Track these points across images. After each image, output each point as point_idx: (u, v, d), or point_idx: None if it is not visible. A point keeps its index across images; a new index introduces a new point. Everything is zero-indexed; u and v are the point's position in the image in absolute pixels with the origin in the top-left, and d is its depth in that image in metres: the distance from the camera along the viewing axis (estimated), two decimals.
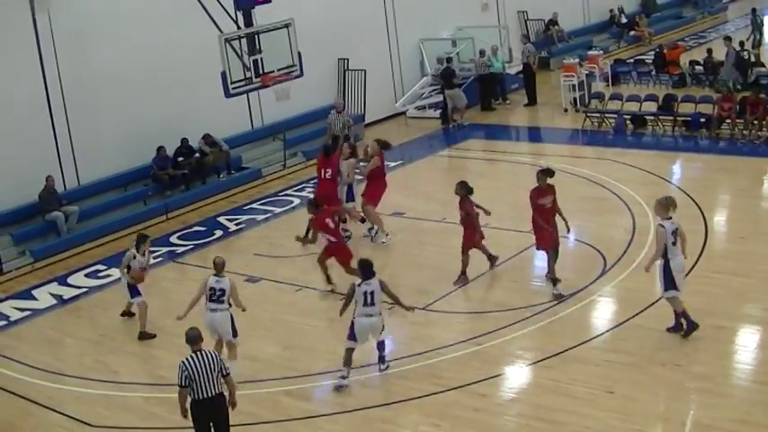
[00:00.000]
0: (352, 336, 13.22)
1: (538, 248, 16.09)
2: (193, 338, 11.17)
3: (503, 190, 22.27)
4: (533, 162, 24.23)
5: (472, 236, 16.46)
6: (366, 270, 13.19)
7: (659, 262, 13.49)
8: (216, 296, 13.63)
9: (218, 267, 13.77)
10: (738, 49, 28.40)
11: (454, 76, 28.09)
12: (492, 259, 16.89)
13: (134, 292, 16.14)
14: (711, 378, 12.53)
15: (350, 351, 13.23)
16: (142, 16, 22.92)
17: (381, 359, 13.61)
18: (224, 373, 11.11)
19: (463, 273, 16.47)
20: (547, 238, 15.74)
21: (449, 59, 28.73)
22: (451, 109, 28.04)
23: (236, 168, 24.59)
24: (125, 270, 15.97)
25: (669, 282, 13.45)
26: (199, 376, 10.89)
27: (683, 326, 13.61)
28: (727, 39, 29.36)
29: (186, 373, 10.91)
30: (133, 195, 22.66)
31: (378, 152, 19.24)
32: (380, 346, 13.54)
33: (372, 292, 13.03)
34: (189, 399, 11.10)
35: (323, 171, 19.19)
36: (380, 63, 29.29)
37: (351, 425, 12.60)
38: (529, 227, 18.55)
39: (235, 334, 13.89)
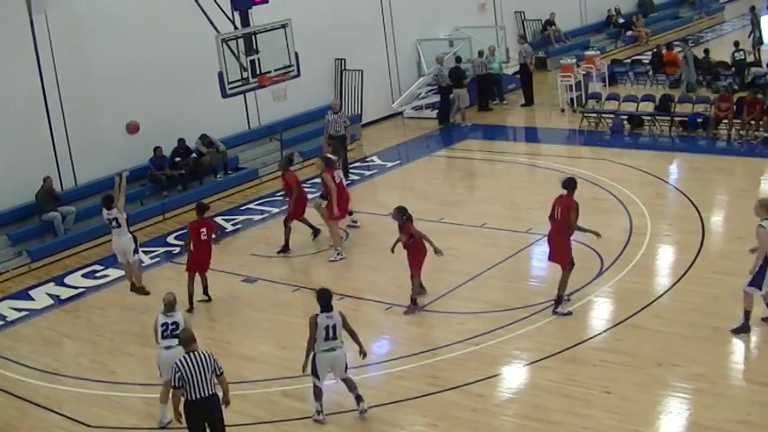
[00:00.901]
0: (315, 372, 12.38)
1: (555, 262, 15.18)
2: (186, 340, 11.13)
3: (500, 190, 22.30)
4: (530, 162, 24.30)
5: (417, 257, 15.66)
6: (326, 301, 12.26)
7: (760, 260, 13.35)
8: (169, 331, 12.54)
9: (168, 307, 12.74)
10: (733, 49, 28.46)
11: (464, 77, 28.11)
12: (420, 292, 15.98)
13: (135, 248, 17.02)
14: (709, 378, 12.52)
15: (318, 388, 12.46)
16: (139, 16, 22.91)
17: (358, 398, 12.52)
18: (218, 373, 11.05)
19: (415, 301, 15.79)
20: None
21: (458, 59, 28.80)
22: (455, 108, 28.07)
23: (233, 169, 24.58)
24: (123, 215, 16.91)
25: (760, 280, 13.34)
26: (192, 377, 10.82)
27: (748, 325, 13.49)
28: (684, 41, 29.54)
29: (179, 374, 10.85)
30: (130, 195, 22.44)
31: (325, 169, 18.74)
32: (350, 384, 12.56)
33: (334, 326, 12.18)
34: (183, 400, 11.06)
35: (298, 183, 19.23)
36: (377, 63, 29.28)
37: (349, 425, 12.57)
38: (527, 227, 18.69)
39: None
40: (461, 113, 27.99)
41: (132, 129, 17.61)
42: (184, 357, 10.94)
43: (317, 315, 12.21)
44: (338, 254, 18.53)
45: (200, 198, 22.77)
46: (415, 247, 15.56)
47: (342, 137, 22.84)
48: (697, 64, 27.69)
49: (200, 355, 10.96)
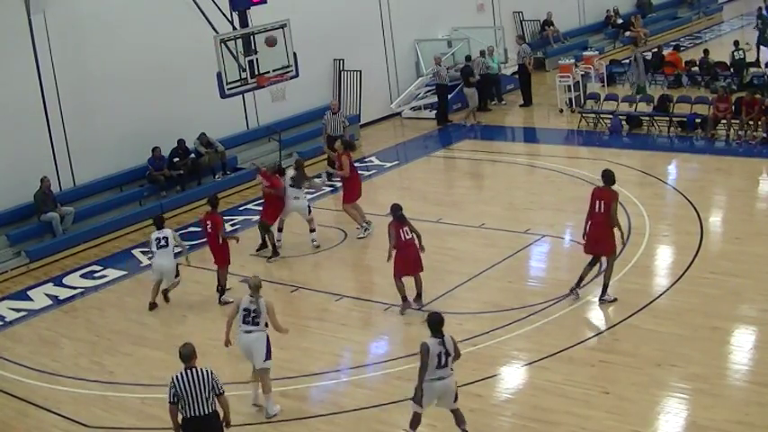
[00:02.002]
0: (418, 400, 11.44)
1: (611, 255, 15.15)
2: (187, 355, 10.73)
3: (498, 190, 22.32)
4: (529, 163, 24.30)
5: (398, 261, 15.51)
6: (436, 326, 11.18)
7: None
8: (251, 317, 12.69)
9: (254, 289, 12.77)
10: (733, 48, 28.48)
11: (472, 75, 28.13)
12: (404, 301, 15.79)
13: (178, 272, 17.16)
14: (707, 379, 12.53)
15: (417, 415, 11.56)
16: (138, 17, 22.91)
17: None
18: (217, 392, 10.62)
19: (404, 299, 15.69)
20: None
21: (468, 58, 28.81)
22: (468, 108, 28.13)
23: (231, 169, 24.58)
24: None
25: None
26: (187, 394, 10.50)
27: None
28: (634, 44, 29.68)
29: (174, 390, 10.55)
30: (129, 196, 22.65)
31: (344, 152, 19.58)
32: (458, 416, 11.64)
33: (447, 353, 11.12)
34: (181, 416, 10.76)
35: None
36: (376, 64, 29.30)
37: (347, 425, 12.59)
38: (525, 227, 18.73)
39: (268, 356, 12.79)
40: (466, 113, 27.99)
41: (270, 43, 18.29)
42: (181, 374, 10.61)
43: (427, 342, 11.16)
44: (365, 229, 19.11)
45: (198, 198, 22.97)
46: (397, 249, 15.52)
47: (340, 137, 22.85)
48: (647, 67, 27.83)
49: (198, 373, 10.59)
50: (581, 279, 15.25)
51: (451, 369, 11.24)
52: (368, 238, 19.21)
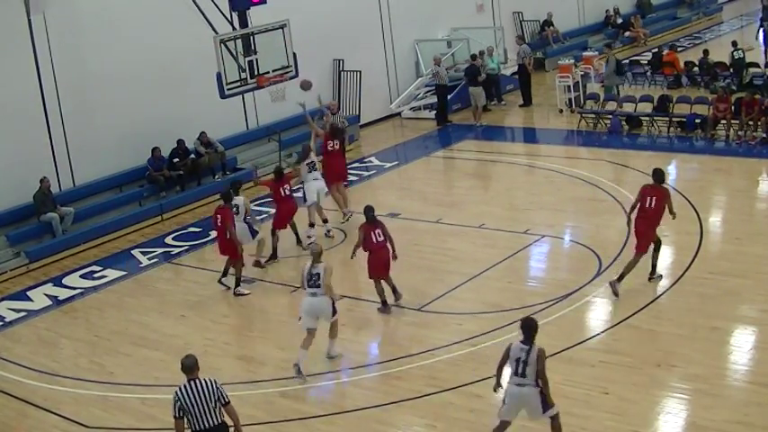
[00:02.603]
0: (501, 406, 11.09)
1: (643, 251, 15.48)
2: (189, 367, 10.29)
3: (498, 191, 22.33)
4: (529, 163, 24.28)
5: (370, 263, 15.67)
6: (527, 332, 10.75)
7: None
8: (313, 281, 13.82)
9: (316, 255, 14.01)
10: (732, 48, 28.47)
11: (479, 74, 28.10)
12: (395, 295, 15.96)
13: (253, 233, 17.86)
14: (707, 379, 12.52)
15: (503, 424, 11.12)
16: (138, 17, 22.90)
17: None
18: (223, 402, 10.24)
19: (383, 302, 15.80)
20: None
21: (473, 57, 28.82)
22: (474, 107, 28.11)
23: (231, 169, 24.57)
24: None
25: None
26: (193, 407, 10.09)
27: None
28: (607, 46, 29.72)
29: (179, 403, 10.10)
30: (128, 196, 22.64)
31: (326, 134, 20.64)
32: (554, 426, 11.04)
33: (525, 361, 10.63)
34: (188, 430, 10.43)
35: (282, 190, 18.93)
36: (375, 64, 29.30)
37: (346, 426, 12.58)
38: (525, 227, 18.71)
39: (334, 313, 14.06)
40: (477, 113, 27.97)
41: (305, 85, 18.91)
42: (184, 386, 10.26)
43: (512, 344, 10.89)
44: (344, 215, 19.85)
45: (198, 199, 23.01)
46: (369, 252, 15.65)
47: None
48: (618, 68, 27.90)
49: (202, 384, 10.25)
50: (653, 267, 15.64)
51: (535, 381, 10.71)
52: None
